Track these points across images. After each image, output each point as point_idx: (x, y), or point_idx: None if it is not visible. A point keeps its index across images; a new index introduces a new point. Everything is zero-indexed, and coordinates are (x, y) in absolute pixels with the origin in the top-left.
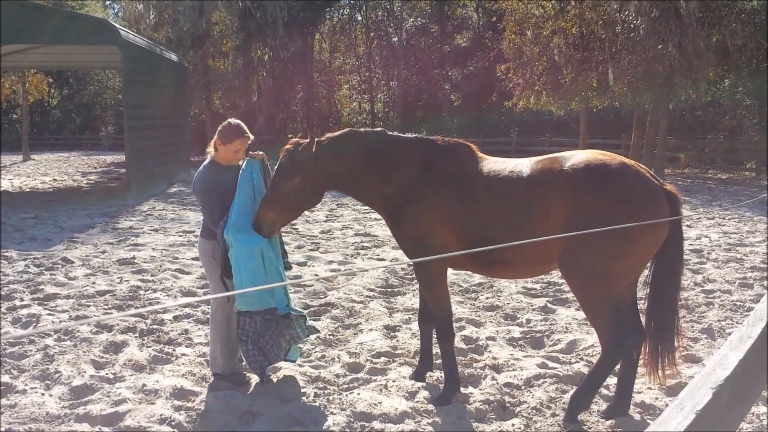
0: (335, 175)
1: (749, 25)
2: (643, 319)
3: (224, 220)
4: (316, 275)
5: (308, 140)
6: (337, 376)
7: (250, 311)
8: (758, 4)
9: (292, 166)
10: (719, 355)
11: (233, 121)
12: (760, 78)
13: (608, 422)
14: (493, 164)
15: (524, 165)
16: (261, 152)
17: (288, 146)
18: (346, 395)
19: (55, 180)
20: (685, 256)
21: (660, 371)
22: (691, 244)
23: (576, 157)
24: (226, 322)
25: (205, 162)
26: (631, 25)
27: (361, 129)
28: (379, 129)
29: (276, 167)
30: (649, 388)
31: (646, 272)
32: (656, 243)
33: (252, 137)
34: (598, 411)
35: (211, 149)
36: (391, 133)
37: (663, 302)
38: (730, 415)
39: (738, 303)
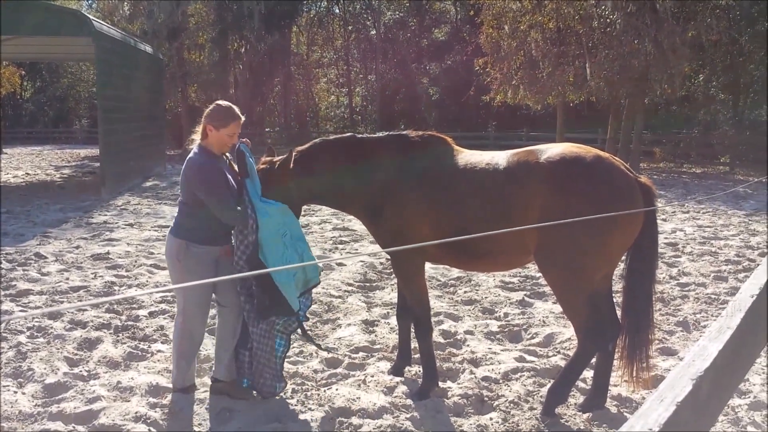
0: (311, 189)
1: (724, 21)
2: (618, 313)
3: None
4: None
5: (286, 156)
6: (315, 371)
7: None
8: None
9: (271, 186)
10: (698, 346)
11: (223, 103)
12: (734, 73)
13: (585, 415)
14: (470, 157)
15: (500, 158)
16: (246, 139)
17: (262, 166)
18: (324, 391)
19: (27, 174)
20: (660, 250)
21: (635, 364)
22: (666, 238)
23: (552, 150)
24: (188, 330)
25: (195, 150)
26: (608, 20)
27: (330, 137)
28: (347, 134)
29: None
30: (626, 381)
31: (621, 266)
32: (631, 235)
33: (243, 118)
34: (575, 404)
35: (197, 136)
36: (360, 135)
37: (638, 295)
38: (710, 406)
39: (713, 296)
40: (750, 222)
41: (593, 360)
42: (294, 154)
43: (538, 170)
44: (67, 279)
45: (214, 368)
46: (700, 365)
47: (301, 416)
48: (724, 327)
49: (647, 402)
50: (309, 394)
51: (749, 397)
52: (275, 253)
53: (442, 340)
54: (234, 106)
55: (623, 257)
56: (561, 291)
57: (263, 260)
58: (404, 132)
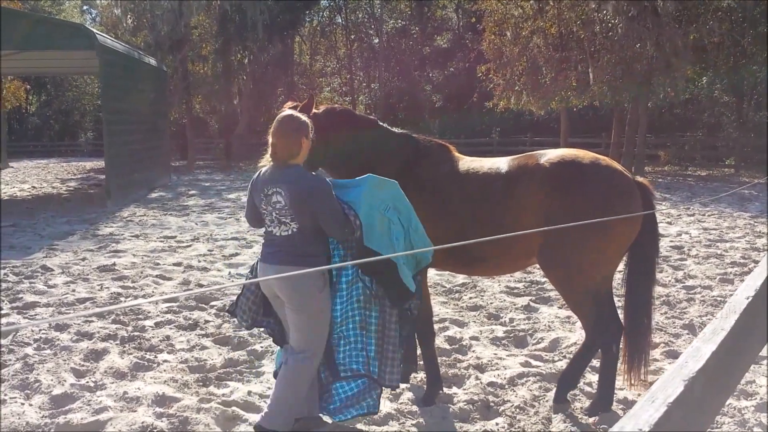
0: (326, 146)
1: (725, 23)
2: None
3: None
4: None
5: (307, 101)
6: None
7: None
8: (734, 1)
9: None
10: (692, 348)
11: (293, 112)
12: (737, 75)
13: (591, 419)
14: (470, 163)
15: (501, 162)
16: None
17: (288, 108)
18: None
19: (33, 187)
20: (666, 253)
21: (638, 366)
22: (671, 241)
23: (550, 153)
24: (313, 370)
25: (303, 169)
26: (609, 24)
27: (356, 112)
28: (372, 117)
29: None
30: (631, 384)
31: (623, 274)
32: (631, 233)
33: None
34: (581, 408)
35: (298, 157)
36: (382, 123)
37: (639, 295)
38: (703, 408)
39: (719, 298)
40: (755, 224)
41: (598, 364)
42: (314, 98)
43: (539, 172)
44: (74, 291)
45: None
46: (692, 366)
47: None
48: (718, 328)
49: (639, 403)
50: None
51: (756, 398)
52: (381, 233)
53: (447, 346)
54: None
55: (624, 258)
56: (565, 290)
57: (370, 246)
58: (416, 135)
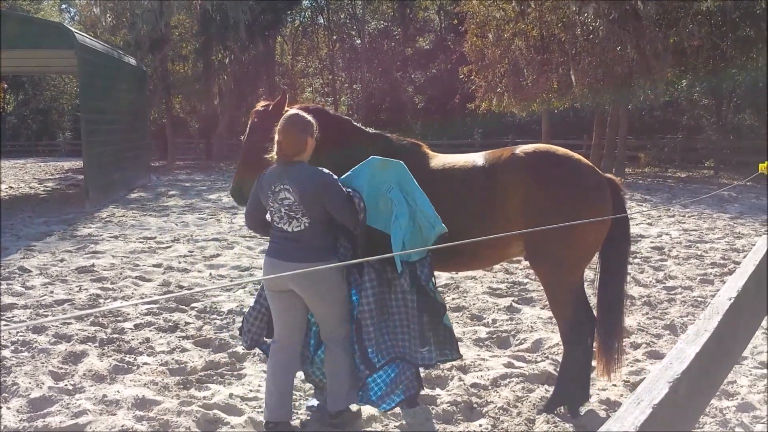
0: None
1: (705, 26)
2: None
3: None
4: None
5: (279, 98)
6: (303, 381)
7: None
8: (714, 5)
9: (261, 132)
10: (676, 349)
11: (298, 111)
12: (717, 78)
13: (574, 418)
14: (445, 159)
15: (477, 156)
16: None
17: (259, 107)
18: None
19: (11, 188)
20: (646, 254)
21: (609, 363)
22: (652, 242)
23: (524, 146)
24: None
25: (309, 165)
26: (590, 27)
27: (330, 111)
28: (346, 116)
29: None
30: (614, 385)
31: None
32: (605, 227)
33: None
34: (564, 408)
35: (304, 155)
36: (356, 123)
37: (610, 291)
38: (688, 409)
39: (699, 299)
40: (735, 225)
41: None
42: (287, 95)
43: (515, 162)
44: (52, 292)
45: (329, 402)
46: (677, 368)
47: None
48: (702, 330)
49: (624, 405)
50: (297, 404)
51: (737, 398)
52: (385, 212)
53: None
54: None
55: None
56: (554, 285)
57: (374, 226)
58: (389, 135)
